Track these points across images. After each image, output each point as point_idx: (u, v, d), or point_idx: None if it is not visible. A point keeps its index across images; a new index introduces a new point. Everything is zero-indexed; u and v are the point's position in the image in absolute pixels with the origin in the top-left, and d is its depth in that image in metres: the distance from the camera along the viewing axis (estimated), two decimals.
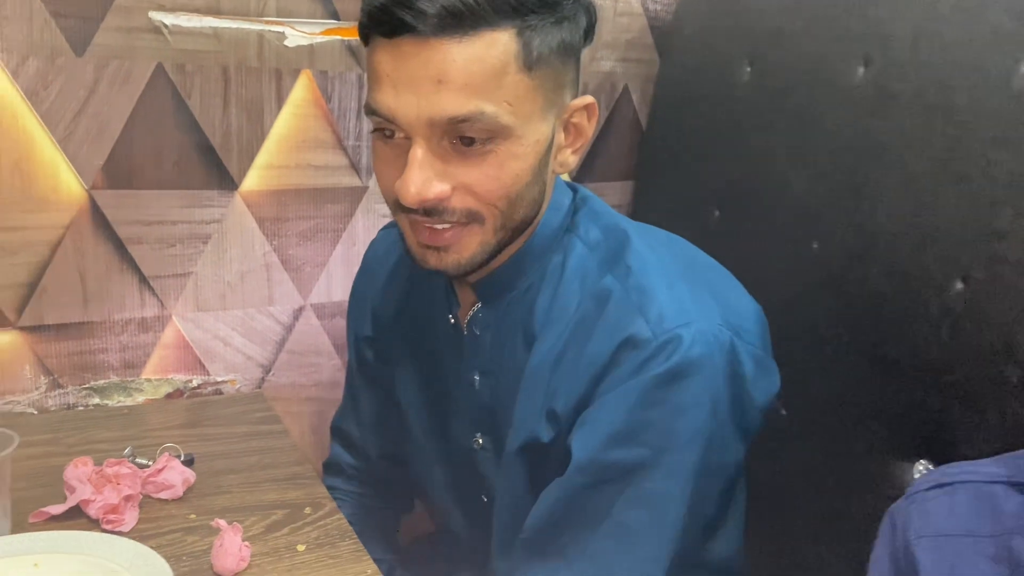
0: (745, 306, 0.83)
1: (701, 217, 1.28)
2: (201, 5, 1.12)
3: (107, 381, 1.19)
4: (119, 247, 1.15)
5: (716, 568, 0.88)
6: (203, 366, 1.24)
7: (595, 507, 0.77)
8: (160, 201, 1.16)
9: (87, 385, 1.18)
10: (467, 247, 0.78)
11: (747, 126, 1.22)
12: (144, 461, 0.99)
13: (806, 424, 1.08)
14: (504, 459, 0.85)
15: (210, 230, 1.20)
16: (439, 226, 0.76)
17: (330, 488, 1.02)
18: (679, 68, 1.37)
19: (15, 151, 1.06)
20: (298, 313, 1.29)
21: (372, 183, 1.29)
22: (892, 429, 0.98)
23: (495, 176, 0.74)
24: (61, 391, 1.16)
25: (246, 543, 0.84)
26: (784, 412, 1.10)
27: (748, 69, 1.23)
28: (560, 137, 0.80)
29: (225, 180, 1.19)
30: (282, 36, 1.18)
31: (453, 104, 0.71)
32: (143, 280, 1.17)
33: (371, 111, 0.75)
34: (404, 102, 0.72)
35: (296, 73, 1.21)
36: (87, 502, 0.88)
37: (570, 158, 0.82)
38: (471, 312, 0.88)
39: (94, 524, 0.88)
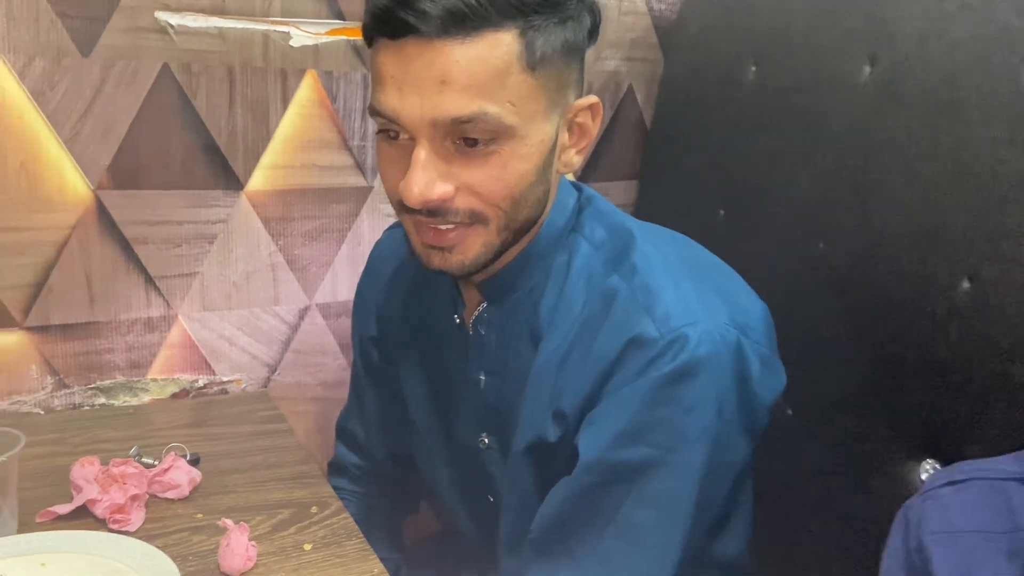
0: (751, 305, 0.83)
1: (706, 216, 1.27)
2: (206, 5, 1.12)
3: (113, 381, 1.19)
4: (125, 247, 1.15)
5: (723, 567, 0.88)
6: (209, 366, 1.24)
7: (603, 507, 0.77)
8: (166, 201, 1.16)
9: (93, 385, 1.18)
10: (471, 247, 0.78)
11: (752, 125, 1.21)
12: (150, 461, 1.00)
13: (812, 424, 1.08)
14: (510, 459, 0.85)
15: (216, 230, 1.20)
16: (443, 227, 0.76)
17: (335, 488, 1.02)
18: (684, 67, 1.37)
19: (21, 151, 1.07)
20: (303, 313, 1.29)
21: (377, 183, 1.29)
22: (898, 429, 0.98)
23: (499, 176, 0.74)
24: (67, 391, 1.16)
25: (253, 542, 0.84)
26: (790, 412, 1.10)
27: (753, 68, 1.22)
28: (564, 137, 0.80)
29: (231, 180, 1.19)
30: (287, 36, 1.18)
31: (456, 105, 0.71)
32: (149, 280, 1.18)
33: (375, 112, 0.75)
34: (408, 103, 0.72)
35: (301, 73, 1.21)
36: (94, 502, 0.89)
37: (574, 158, 0.82)
38: (476, 312, 0.88)
39: (101, 524, 0.88)
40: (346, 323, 1.27)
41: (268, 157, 1.21)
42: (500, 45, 0.71)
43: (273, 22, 1.17)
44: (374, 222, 1.30)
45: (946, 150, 0.95)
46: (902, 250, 0.98)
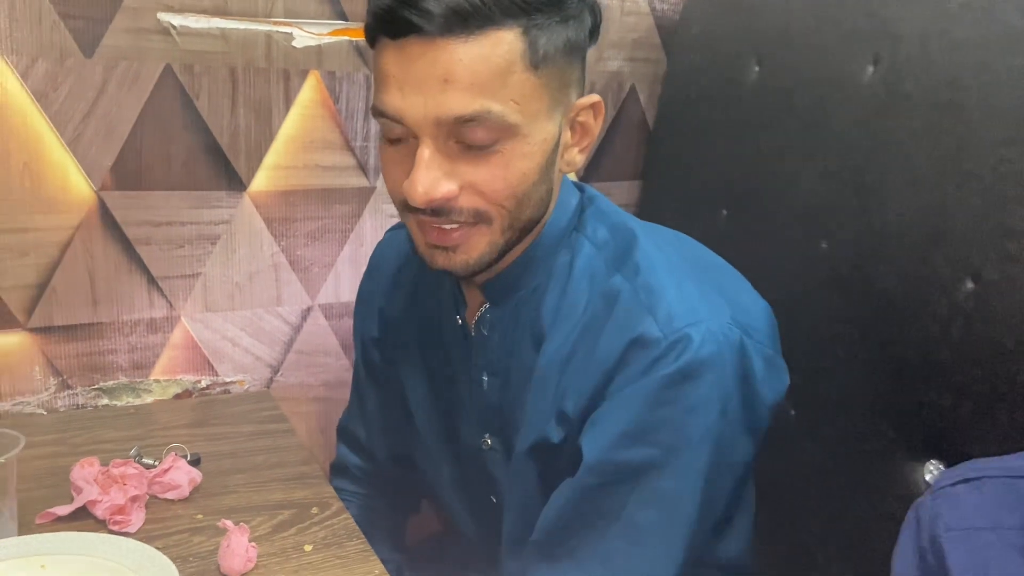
0: (754, 305, 0.82)
1: (709, 216, 1.27)
2: (209, 6, 1.12)
3: (116, 382, 1.19)
4: (128, 248, 1.15)
5: (725, 567, 0.87)
6: (212, 367, 1.24)
7: (606, 507, 0.76)
8: (169, 202, 1.16)
9: (96, 386, 1.18)
10: (475, 247, 0.78)
11: (755, 125, 1.21)
12: (150, 461, 1.00)
13: (815, 424, 1.08)
14: (514, 460, 0.85)
15: (219, 231, 1.20)
16: (447, 226, 0.76)
17: (337, 490, 1.02)
18: (686, 67, 1.37)
19: (24, 152, 1.07)
20: (306, 313, 1.29)
21: (380, 184, 1.29)
22: (902, 429, 0.97)
23: (502, 176, 0.74)
24: (70, 392, 1.16)
25: (253, 543, 0.84)
26: (793, 412, 1.10)
27: (756, 68, 1.22)
28: (567, 136, 0.80)
29: (233, 181, 1.19)
30: (290, 37, 1.18)
31: (460, 103, 0.71)
32: (152, 281, 1.18)
33: (378, 113, 0.75)
34: (411, 102, 0.72)
35: (304, 74, 1.21)
36: (94, 503, 0.89)
37: (577, 157, 0.82)
38: (479, 312, 0.88)
39: (101, 525, 0.88)
40: (348, 324, 1.27)
41: (271, 158, 1.21)
42: (503, 44, 0.71)
43: (276, 23, 1.17)
44: (376, 223, 1.30)
45: (949, 150, 0.94)
46: (905, 250, 0.98)
